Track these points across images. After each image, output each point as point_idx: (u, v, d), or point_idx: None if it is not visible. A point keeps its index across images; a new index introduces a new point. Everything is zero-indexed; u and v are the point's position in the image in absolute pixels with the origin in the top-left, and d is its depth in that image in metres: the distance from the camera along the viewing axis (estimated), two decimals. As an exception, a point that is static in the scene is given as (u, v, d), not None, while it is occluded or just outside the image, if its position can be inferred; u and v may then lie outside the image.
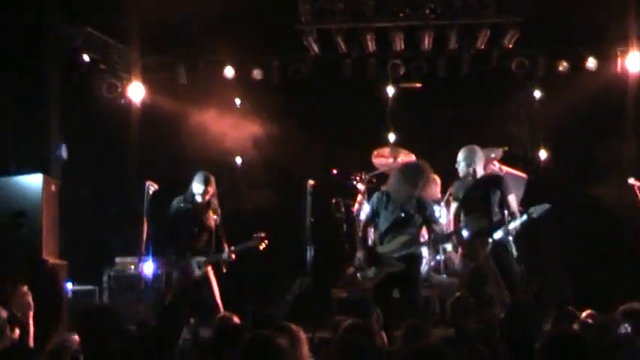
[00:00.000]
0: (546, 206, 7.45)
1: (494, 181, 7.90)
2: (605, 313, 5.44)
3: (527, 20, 9.90)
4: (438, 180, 10.11)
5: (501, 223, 7.63)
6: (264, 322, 5.33)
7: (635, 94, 9.92)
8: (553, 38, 10.47)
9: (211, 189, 8.21)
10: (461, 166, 7.93)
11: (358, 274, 7.81)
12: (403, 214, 7.53)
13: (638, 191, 8.11)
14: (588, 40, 10.36)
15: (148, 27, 10.11)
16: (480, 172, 7.93)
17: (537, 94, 11.04)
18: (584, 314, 5.61)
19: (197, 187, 8.18)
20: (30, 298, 5.86)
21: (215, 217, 8.22)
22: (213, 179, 8.24)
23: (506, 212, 7.67)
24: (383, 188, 7.90)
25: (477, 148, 7.98)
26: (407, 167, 7.83)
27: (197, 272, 8.07)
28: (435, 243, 7.99)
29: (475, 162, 7.87)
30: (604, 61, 10.37)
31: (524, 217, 7.53)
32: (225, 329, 5.11)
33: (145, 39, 10.38)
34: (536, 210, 7.48)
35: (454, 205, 8.01)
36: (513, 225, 7.59)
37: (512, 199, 7.82)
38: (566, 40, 10.44)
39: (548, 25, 10.21)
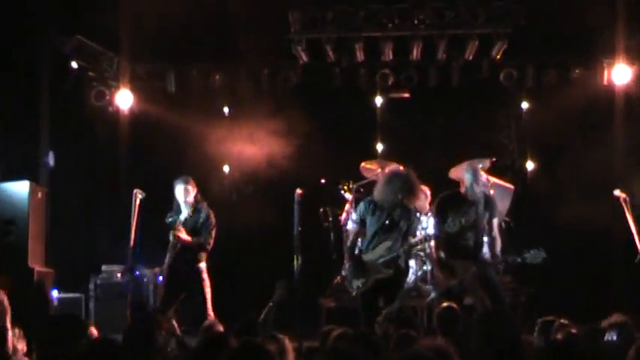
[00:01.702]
0: (542, 254, 7.37)
1: (487, 203, 7.85)
2: (592, 324, 5.49)
3: (515, 31, 9.96)
4: (428, 191, 10.16)
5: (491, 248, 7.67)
6: (249, 330, 5.34)
7: (621, 106, 10.00)
8: (541, 50, 10.55)
9: (192, 188, 8.24)
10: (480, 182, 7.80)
11: (349, 288, 7.81)
12: (388, 221, 7.58)
13: (624, 203, 8.16)
14: (576, 51, 10.45)
15: (138, 35, 10.12)
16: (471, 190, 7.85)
17: (525, 105, 11.13)
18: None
19: (178, 190, 8.24)
20: (6, 302, 5.85)
21: (200, 217, 8.19)
22: (191, 180, 8.29)
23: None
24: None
25: (471, 166, 7.92)
26: (392, 174, 7.84)
27: (164, 266, 8.12)
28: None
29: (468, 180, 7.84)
30: (591, 73, 10.46)
31: (518, 259, 7.49)
32: (211, 337, 5.10)
33: (135, 47, 10.39)
34: (532, 256, 7.39)
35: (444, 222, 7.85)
36: (505, 260, 7.65)
37: (496, 222, 7.84)
38: (554, 51, 10.53)
39: (536, 36, 10.30)
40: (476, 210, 7.70)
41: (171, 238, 8.07)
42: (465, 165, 8.08)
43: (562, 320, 5.68)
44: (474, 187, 7.66)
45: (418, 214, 9.64)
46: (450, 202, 7.84)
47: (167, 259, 8.17)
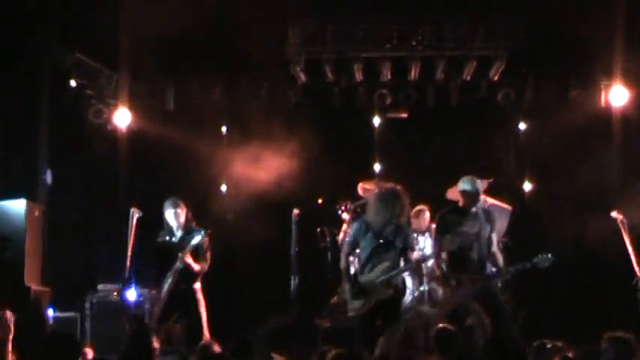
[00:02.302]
0: (550, 258, 7.47)
1: (488, 217, 7.92)
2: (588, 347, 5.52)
3: (514, 49, 10.02)
4: (427, 212, 10.19)
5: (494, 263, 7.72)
6: (245, 350, 5.36)
7: (618, 128, 10.06)
8: (539, 70, 10.61)
9: (182, 211, 8.27)
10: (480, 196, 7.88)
11: (349, 310, 7.81)
12: (382, 241, 7.58)
13: (621, 225, 8.19)
14: (574, 72, 10.53)
15: (137, 53, 10.18)
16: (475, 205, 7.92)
17: (523, 125, 11.18)
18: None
19: (168, 213, 8.30)
20: (11, 323, 5.87)
21: (194, 240, 8.19)
22: (180, 202, 8.31)
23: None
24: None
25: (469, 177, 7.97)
26: (383, 193, 7.81)
27: (165, 288, 8.10)
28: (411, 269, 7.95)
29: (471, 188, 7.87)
30: (589, 94, 10.53)
31: (527, 264, 7.55)
32: (208, 358, 5.13)
33: (134, 65, 10.44)
34: (541, 260, 7.50)
35: (448, 237, 7.91)
36: (513, 269, 7.65)
37: (495, 238, 7.91)
38: (552, 72, 10.59)
39: (534, 57, 10.37)
40: (479, 222, 7.74)
41: (179, 263, 8.04)
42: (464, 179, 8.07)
43: (557, 343, 5.70)
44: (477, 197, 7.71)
45: (415, 235, 9.72)
46: (451, 217, 7.90)
47: (169, 283, 8.13)
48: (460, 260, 7.73)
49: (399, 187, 7.80)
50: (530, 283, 9.38)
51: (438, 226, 8.00)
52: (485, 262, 7.83)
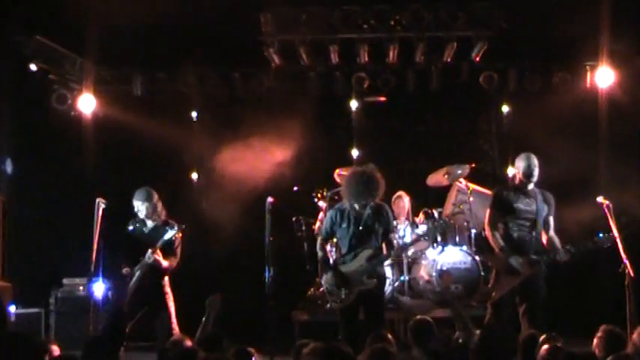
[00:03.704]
0: (611, 237, 7.58)
1: (545, 198, 7.85)
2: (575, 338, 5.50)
3: (496, 34, 9.97)
4: (406, 198, 10.15)
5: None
6: (214, 344, 5.28)
7: (604, 110, 10.04)
8: (523, 52, 10.57)
9: (152, 201, 8.18)
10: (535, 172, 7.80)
11: (329, 302, 7.68)
12: (361, 227, 7.40)
13: (606, 210, 8.16)
14: (558, 54, 10.48)
15: (103, 37, 10.01)
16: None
17: (506, 109, 11.17)
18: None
19: (138, 204, 8.21)
20: None
21: (167, 235, 8.08)
22: (153, 193, 8.21)
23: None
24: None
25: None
26: (355, 174, 7.59)
27: (131, 284, 8.00)
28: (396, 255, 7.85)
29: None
30: (574, 77, 10.51)
31: (589, 243, 7.60)
32: (181, 352, 5.05)
33: (100, 49, 10.28)
34: (604, 240, 7.58)
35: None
36: (574, 248, 7.62)
37: (553, 220, 7.86)
38: (536, 54, 10.55)
39: (517, 39, 10.32)
40: (536, 202, 7.76)
41: (148, 260, 7.91)
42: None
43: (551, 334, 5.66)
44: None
45: (396, 222, 9.65)
46: (506, 193, 7.85)
47: (137, 277, 8.02)
48: (517, 240, 7.66)
49: (372, 167, 7.63)
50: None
51: (492, 202, 7.92)
52: (541, 244, 7.74)
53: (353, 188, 7.36)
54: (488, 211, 7.92)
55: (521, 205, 7.75)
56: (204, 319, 6.23)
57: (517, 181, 7.89)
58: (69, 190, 10.52)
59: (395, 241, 8.08)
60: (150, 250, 7.90)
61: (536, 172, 7.80)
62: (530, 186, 7.82)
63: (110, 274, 8.74)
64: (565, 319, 7.90)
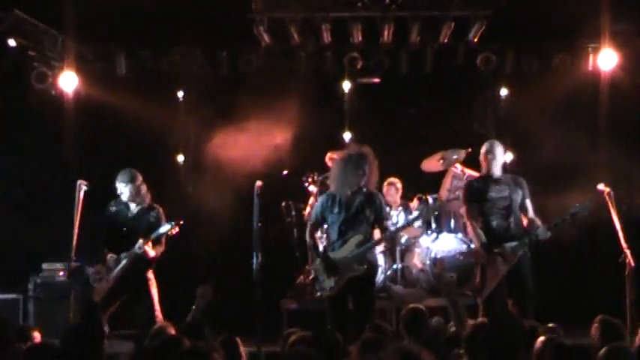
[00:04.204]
0: (588, 204, 7.59)
1: (517, 182, 7.83)
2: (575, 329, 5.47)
3: (494, 13, 9.89)
4: (399, 184, 10.10)
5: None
6: (196, 332, 5.23)
7: (606, 93, 9.97)
8: (521, 33, 10.49)
9: (137, 184, 8.13)
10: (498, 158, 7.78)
11: (318, 290, 7.65)
12: (352, 211, 7.39)
13: (607, 197, 8.11)
14: (558, 35, 10.41)
15: (85, 12, 9.89)
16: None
17: (504, 92, 11.11)
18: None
19: (121, 187, 8.16)
20: None
21: (151, 218, 8.09)
22: (137, 174, 8.16)
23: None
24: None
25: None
26: (347, 156, 7.58)
27: (115, 272, 7.94)
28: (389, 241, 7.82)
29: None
30: (575, 59, 10.44)
31: (567, 217, 7.55)
32: (164, 341, 4.99)
33: (82, 25, 10.15)
34: (580, 209, 7.54)
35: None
36: (554, 224, 7.58)
37: (530, 204, 7.81)
38: (536, 35, 10.47)
39: (516, 19, 10.23)
40: (508, 187, 7.74)
41: (138, 250, 7.85)
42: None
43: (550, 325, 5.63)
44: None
45: (388, 209, 9.59)
46: (475, 184, 7.86)
47: (122, 266, 7.96)
48: (497, 229, 7.62)
49: (366, 149, 7.58)
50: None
51: (465, 195, 7.93)
52: (522, 229, 7.69)
53: (339, 175, 7.35)
54: (464, 206, 7.92)
55: (494, 193, 7.73)
56: (193, 307, 6.18)
57: (485, 170, 7.86)
58: (49, 171, 10.44)
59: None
60: (141, 241, 7.87)
61: (499, 158, 7.76)
62: (498, 173, 7.78)
63: (91, 259, 8.68)
64: (565, 310, 7.87)
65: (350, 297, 7.44)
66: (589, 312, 6.03)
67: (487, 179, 7.81)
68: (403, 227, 8.87)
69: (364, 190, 7.44)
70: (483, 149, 7.83)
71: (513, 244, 7.56)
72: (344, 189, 7.43)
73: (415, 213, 9.72)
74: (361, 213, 7.40)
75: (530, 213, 7.78)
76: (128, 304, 8.01)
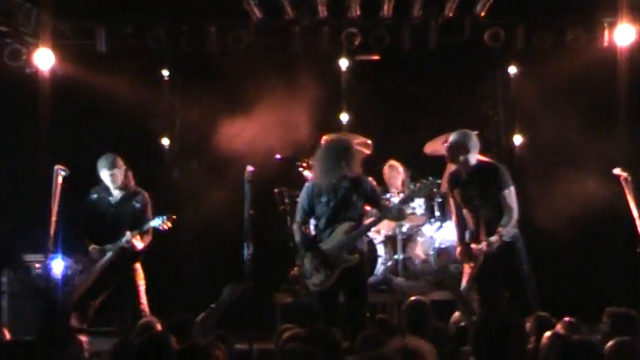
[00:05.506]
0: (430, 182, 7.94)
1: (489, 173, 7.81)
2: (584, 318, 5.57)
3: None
4: (400, 168, 10.11)
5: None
6: (184, 330, 5.24)
7: (624, 71, 9.95)
8: (532, 7, 10.47)
9: (120, 169, 8.22)
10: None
11: (310, 286, 7.67)
12: (338, 199, 7.42)
13: (624, 183, 8.11)
14: (572, 9, 10.39)
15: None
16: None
17: (513, 70, 11.09)
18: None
19: (103, 173, 8.25)
20: None
21: (136, 204, 8.15)
22: (118, 159, 8.25)
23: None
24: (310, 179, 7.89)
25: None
26: (328, 144, 7.71)
27: (100, 263, 8.04)
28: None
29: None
30: (590, 34, 10.39)
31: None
32: (150, 338, 5.01)
33: (59, -1, 10.14)
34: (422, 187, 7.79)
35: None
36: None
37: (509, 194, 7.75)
38: (548, 9, 10.45)
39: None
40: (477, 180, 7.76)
41: (126, 244, 7.95)
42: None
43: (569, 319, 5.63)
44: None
45: (389, 195, 9.59)
46: (454, 175, 7.91)
47: (107, 258, 8.06)
48: (476, 224, 7.64)
49: (346, 137, 7.65)
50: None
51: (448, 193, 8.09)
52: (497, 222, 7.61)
53: (321, 164, 7.42)
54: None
55: (465, 189, 7.73)
56: (213, 306, 6.22)
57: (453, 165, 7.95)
58: (24, 156, 10.41)
59: (386, 222, 8.10)
60: (129, 233, 7.98)
61: (466, 148, 7.72)
62: (468, 165, 7.71)
63: (70, 250, 8.69)
64: (577, 302, 7.89)
65: (341, 291, 7.48)
66: (603, 304, 6.03)
67: (459, 175, 7.83)
68: (407, 200, 8.66)
69: (349, 175, 7.48)
70: (450, 138, 7.83)
71: (490, 239, 7.45)
72: (328, 177, 7.47)
73: (418, 202, 9.73)
74: (349, 199, 7.46)
75: (511, 203, 7.65)
76: (114, 298, 8.09)
